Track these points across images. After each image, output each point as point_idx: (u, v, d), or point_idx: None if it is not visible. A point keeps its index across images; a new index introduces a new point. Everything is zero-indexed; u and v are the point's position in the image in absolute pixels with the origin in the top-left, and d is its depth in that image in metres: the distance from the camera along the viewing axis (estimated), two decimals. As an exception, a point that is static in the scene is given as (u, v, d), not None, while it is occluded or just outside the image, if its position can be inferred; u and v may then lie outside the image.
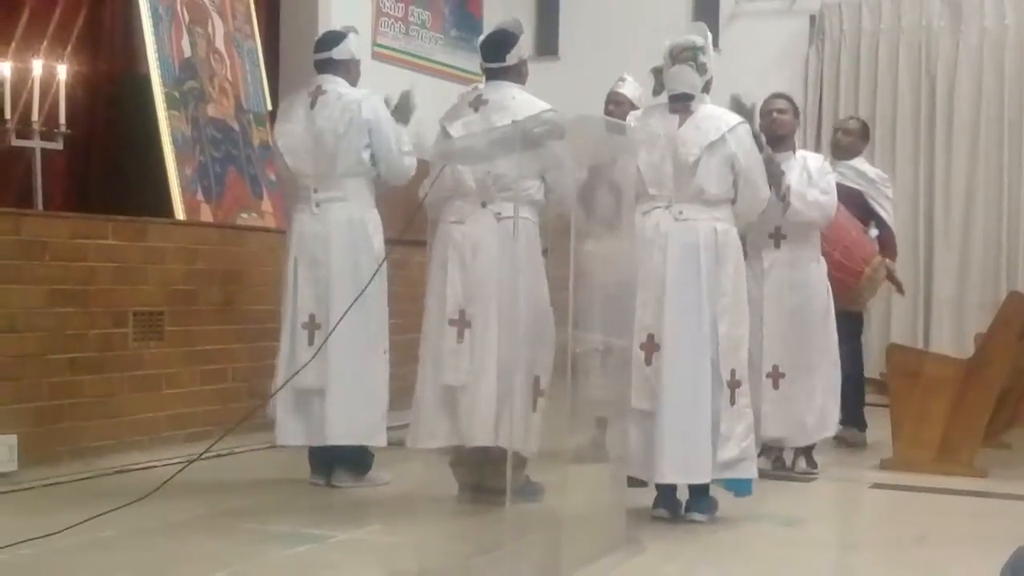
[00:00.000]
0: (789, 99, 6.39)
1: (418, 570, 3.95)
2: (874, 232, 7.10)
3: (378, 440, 5.46)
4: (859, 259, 6.45)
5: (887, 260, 6.94)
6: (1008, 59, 9.30)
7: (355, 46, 5.68)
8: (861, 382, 7.06)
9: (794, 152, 6.18)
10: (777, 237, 6.02)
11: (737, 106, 5.33)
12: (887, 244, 7.18)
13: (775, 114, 6.18)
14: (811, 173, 6.07)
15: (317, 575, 3.99)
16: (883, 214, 7.18)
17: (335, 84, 5.55)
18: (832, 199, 6.11)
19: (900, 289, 7.59)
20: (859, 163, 7.25)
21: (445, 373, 5.02)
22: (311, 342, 5.37)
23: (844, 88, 9.65)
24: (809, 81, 9.66)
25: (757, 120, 5.71)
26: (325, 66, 5.60)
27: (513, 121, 4.92)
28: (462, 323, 5.03)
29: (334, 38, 5.66)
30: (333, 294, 5.36)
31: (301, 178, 5.57)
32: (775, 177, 5.73)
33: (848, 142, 7.26)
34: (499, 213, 5.03)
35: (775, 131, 6.13)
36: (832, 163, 6.88)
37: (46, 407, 5.47)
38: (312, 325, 5.42)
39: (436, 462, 5.28)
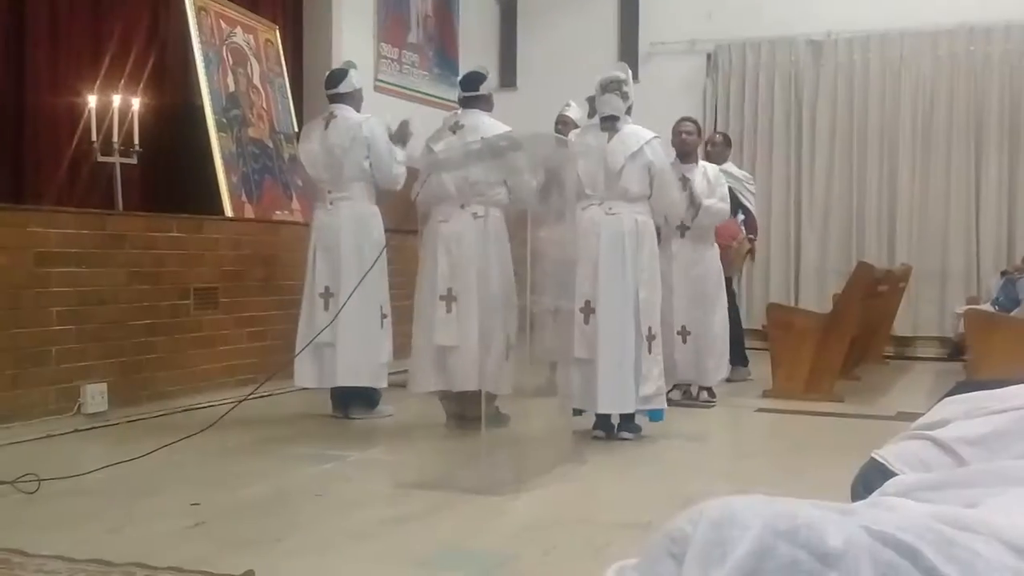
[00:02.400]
0: (694, 121, 6.40)
1: (416, 480, 3.95)
2: (740, 217, 7.17)
3: (379, 382, 5.45)
4: (727, 236, 6.59)
5: (750, 236, 7.16)
6: (856, 86, 9.33)
7: (356, 79, 5.62)
8: (740, 332, 7.11)
9: (696, 163, 6.21)
10: (682, 229, 6.06)
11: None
12: (751, 225, 7.29)
13: (683, 135, 6.19)
14: (710, 179, 6.15)
15: (338, 486, 3.98)
16: (747, 204, 7.27)
17: (344, 111, 5.53)
18: (726, 206, 6.21)
19: (753, 257, 7.63)
20: (728, 166, 7.20)
21: (437, 336, 5.02)
22: (326, 307, 5.36)
23: (733, 109, 9.66)
24: (707, 104, 9.66)
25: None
26: (335, 98, 5.57)
27: (482, 138, 4.94)
28: (449, 298, 5.02)
29: (339, 76, 5.60)
30: (343, 270, 5.35)
31: (318, 183, 5.54)
32: (692, 196, 5.87)
33: (715, 152, 7.24)
34: (475, 213, 5.02)
35: (683, 148, 6.17)
36: None
37: (129, 361, 5.44)
38: (327, 295, 5.40)
39: (428, 399, 5.30)
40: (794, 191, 9.48)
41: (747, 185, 7.31)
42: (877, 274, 6.91)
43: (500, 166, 4.83)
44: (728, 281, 6.73)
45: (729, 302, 6.51)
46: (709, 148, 7.30)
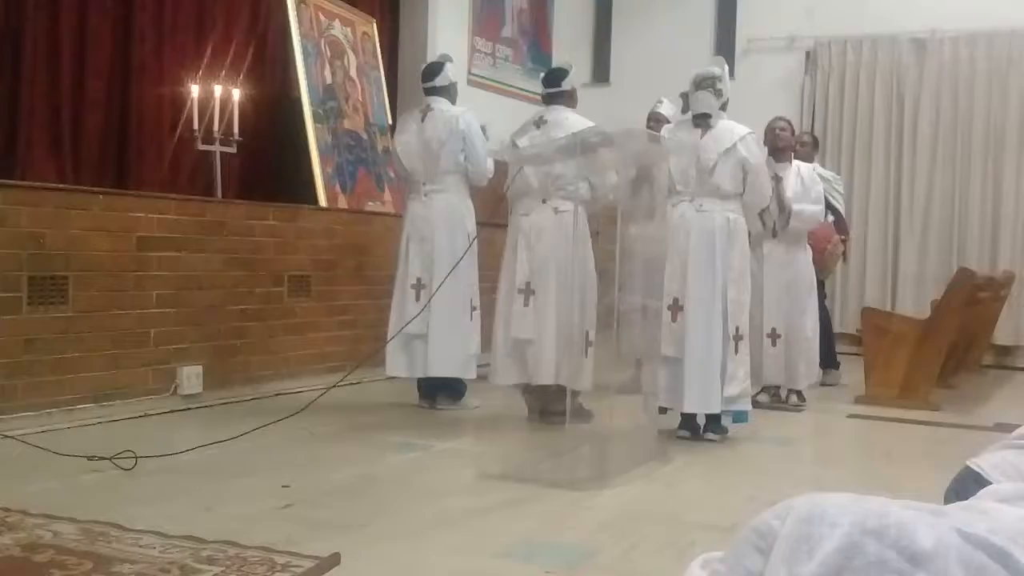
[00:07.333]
0: (788, 121, 6.34)
1: (499, 472, 3.99)
2: (830, 218, 7.06)
3: (468, 373, 5.49)
4: (821, 239, 6.45)
5: (841, 237, 7.00)
6: (961, 87, 9.08)
7: (452, 72, 5.66)
8: (831, 334, 7.01)
9: (790, 162, 6.13)
10: (774, 230, 5.99)
11: None
12: (841, 226, 7.16)
13: (777, 131, 6.13)
14: (804, 180, 6.08)
15: (423, 474, 4.04)
16: (836, 204, 7.13)
17: (440, 103, 5.57)
18: (821, 208, 6.15)
19: (846, 259, 7.49)
20: (815, 167, 7.11)
21: (513, 329, 5.06)
22: (418, 298, 5.41)
23: (831, 109, 9.48)
24: (804, 103, 9.50)
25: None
26: (431, 91, 5.62)
27: (573, 133, 4.93)
28: (528, 291, 5.06)
29: (435, 69, 5.64)
30: (435, 263, 5.39)
31: (414, 174, 5.59)
32: (782, 202, 5.77)
33: (803, 152, 7.07)
34: (556, 207, 5.04)
35: (776, 144, 6.09)
36: None
37: (224, 345, 5.59)
38: (419, 286, 5.45)
39: (512, 392, 5.33)
40: (893, 193, 9.27)
41: (835, 186, 7.20)
42: (978, 281, 6.72)
43: (585, 162, 4.83)
44: (820, 284, 6.64)
45: (820, 304, 6.42)
46: (798, 147, 7.19)
